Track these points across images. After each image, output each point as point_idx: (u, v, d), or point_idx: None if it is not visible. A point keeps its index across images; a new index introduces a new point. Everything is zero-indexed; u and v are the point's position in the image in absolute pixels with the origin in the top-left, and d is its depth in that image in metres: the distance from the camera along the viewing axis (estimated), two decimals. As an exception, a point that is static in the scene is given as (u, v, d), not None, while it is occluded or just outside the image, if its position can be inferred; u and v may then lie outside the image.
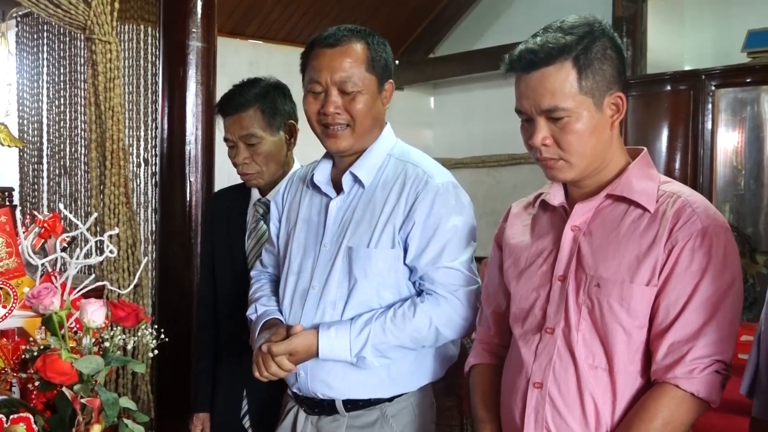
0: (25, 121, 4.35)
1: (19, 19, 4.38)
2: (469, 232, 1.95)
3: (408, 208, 1.92)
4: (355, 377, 1.95)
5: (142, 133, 3.71)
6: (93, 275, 1.89)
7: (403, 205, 1.93)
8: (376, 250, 1.92)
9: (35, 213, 2.23)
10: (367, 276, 1.92)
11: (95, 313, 1.64)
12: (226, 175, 2.96)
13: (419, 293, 1.95)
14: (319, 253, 2.00)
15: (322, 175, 2.06)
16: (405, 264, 1.94)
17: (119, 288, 3.12)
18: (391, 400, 1.98)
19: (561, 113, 1.56)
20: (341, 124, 1.96)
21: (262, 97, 2.41)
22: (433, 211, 1.91)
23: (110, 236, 1.92)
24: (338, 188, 2.03)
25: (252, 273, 2.26)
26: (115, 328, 1.70)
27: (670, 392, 1.52)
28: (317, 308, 1.96)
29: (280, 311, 2.06)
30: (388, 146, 2.04)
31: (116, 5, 3.27)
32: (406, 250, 1.93)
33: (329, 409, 1.99)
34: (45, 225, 2.05)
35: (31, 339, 1.73)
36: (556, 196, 1.70)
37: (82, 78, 3.91)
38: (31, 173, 4.32)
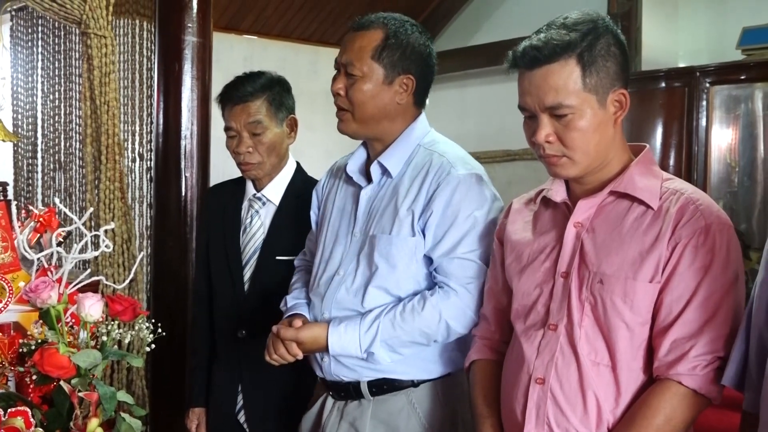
0: (20, 116, 4.33)
1: (13, 13, 4.35)
2: (489, 226, 1.91)
3: (428, 197, 1.91)
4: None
5: (138, 128, 3.69)
6: (88, 270, 1.89)
7: (424, 194, 1.91)
8: (397, 238, 1.91)
9: (31, 207, 2.22)
10: (388, 264, 1.91)
11: (93, 307, 1.64)
12: (221, 171, 2.95)
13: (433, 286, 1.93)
14: (350, 242, 2.00)
15: (355, 164, 2.07)
16: (425, 255, 1.92)
17: (114, 283, 3.11)
18: (416, 385, 1.96)
19: (564, 110, 1.56)
20: (343, 109, 1.97)
21: (269, 88, 2.42)
22: (452, 201, 1.89)
23: (106, 231, 1.91)
24: (370, 178, 2.03)
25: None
26: (112, 323, 1.70)
27: (673, 389, 1.52)
28: (339, 295, 1.96)
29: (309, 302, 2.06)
30: (419, 136, 2.02)
31: (112, 0, 3.26)
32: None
33: (355, 393, 1.98)
34: (41, 219, 2.05)
35: (29, 333, 1.72)
36: (558, 193, 1.70)
37: (77, 72, 3.89)
38: (25, 168, 4.30)
